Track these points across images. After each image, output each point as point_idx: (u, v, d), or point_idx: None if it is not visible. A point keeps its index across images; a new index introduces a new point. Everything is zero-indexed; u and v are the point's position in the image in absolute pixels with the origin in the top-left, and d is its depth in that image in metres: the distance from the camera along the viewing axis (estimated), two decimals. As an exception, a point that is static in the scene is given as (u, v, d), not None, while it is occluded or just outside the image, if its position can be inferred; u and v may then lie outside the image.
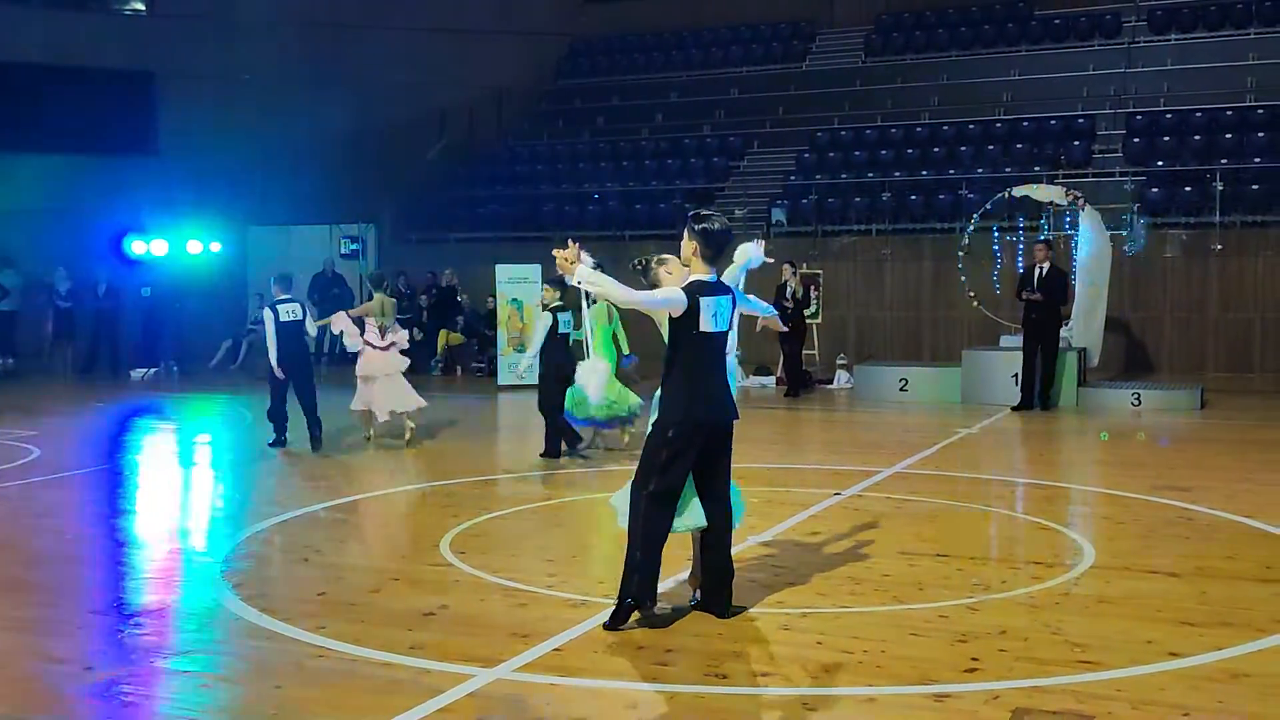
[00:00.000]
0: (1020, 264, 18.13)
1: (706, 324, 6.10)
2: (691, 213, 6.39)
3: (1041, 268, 15.92)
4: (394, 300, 13.49)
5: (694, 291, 6.11)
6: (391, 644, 5.79)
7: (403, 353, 12.71)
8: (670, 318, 6.12)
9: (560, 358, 11.38)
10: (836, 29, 28.92)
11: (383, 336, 12.71)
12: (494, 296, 19.84)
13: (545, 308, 11.53)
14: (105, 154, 24.97)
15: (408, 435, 12.61)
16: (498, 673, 5.39)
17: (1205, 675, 5.35)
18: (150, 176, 24.81)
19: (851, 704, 5.06)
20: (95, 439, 14.00)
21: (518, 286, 19.19)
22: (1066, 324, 17.43)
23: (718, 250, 6.23)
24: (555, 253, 6.11)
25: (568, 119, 28.86)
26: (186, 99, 25.48)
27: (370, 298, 13.16)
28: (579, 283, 6.06)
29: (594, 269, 6.12)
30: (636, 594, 6.04)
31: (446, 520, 8.68)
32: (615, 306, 9.87)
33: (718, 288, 6.20)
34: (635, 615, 6.06)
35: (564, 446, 11.62)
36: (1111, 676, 5.32)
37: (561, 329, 11.35)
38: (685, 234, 6.29)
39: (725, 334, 6.26)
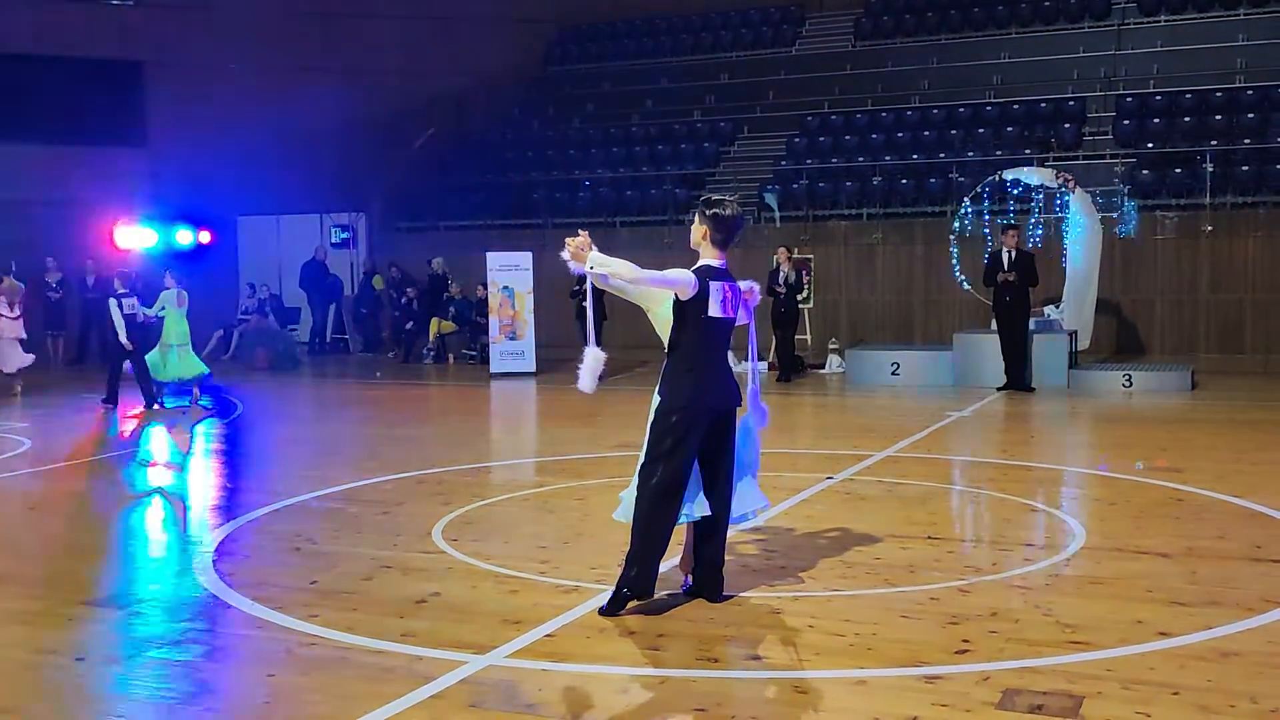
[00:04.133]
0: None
1: (715, 309, 6.09)
2: (703, 198, 6.37)
3: (1011, 251, 15.97)
4: (20, 284, 17.32)
5: (704, 275, 6.10)
6: (383, 631, 5.79)
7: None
8: (677, 301, 6.10)
9: (135, 335, 15.05)
10: (826, 13, 28.88)
11: (12, 309, 16.93)
12: (483, 285, 19.80)
13: (112, 296, 15.07)
14: (94, 144, 24.87)
15: (19, 388, 16.48)
16: (490, 659, 5.40)
17: (1195, 655, 5.37)
18: (139, 167, 24.75)
19: (843, 686, 5.07)
20: (86, 430, 13.98)
21: (509, 274, 19.15)
22: (1057, 306, 17.49)
23: (728, 235, 6.23)
24: (567, 241, 6.11)
25: (557, 106, 28.80)
26: (175, 89, 25.39)
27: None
28: (592, 268, 6.04)
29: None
30: (633, 585, 6.05)
31: (438, 508, 8.69)
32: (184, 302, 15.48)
33: (726, 274, 6.19)
34: (632, 604, 6.08)
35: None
36: (1102, 657, 5.34)
37: (127, 311, 14.92)
38: (696, 218, 6.27)
39: (731, 320, 6.25)
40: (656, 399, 6.18)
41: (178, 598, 6.63)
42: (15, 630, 6.03)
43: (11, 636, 5.93)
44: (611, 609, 6.02)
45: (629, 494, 6.32)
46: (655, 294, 6.25)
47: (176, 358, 15.43)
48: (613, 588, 6.13)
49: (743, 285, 6.39)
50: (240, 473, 11.08)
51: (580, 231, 6.21)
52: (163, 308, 15.51)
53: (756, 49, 28.19)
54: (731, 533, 6.77)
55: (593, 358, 6.21)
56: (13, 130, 24.14)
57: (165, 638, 5.91)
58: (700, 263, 6.21)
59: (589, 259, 6.03)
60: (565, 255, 6.17)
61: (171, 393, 15.58)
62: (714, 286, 6.10)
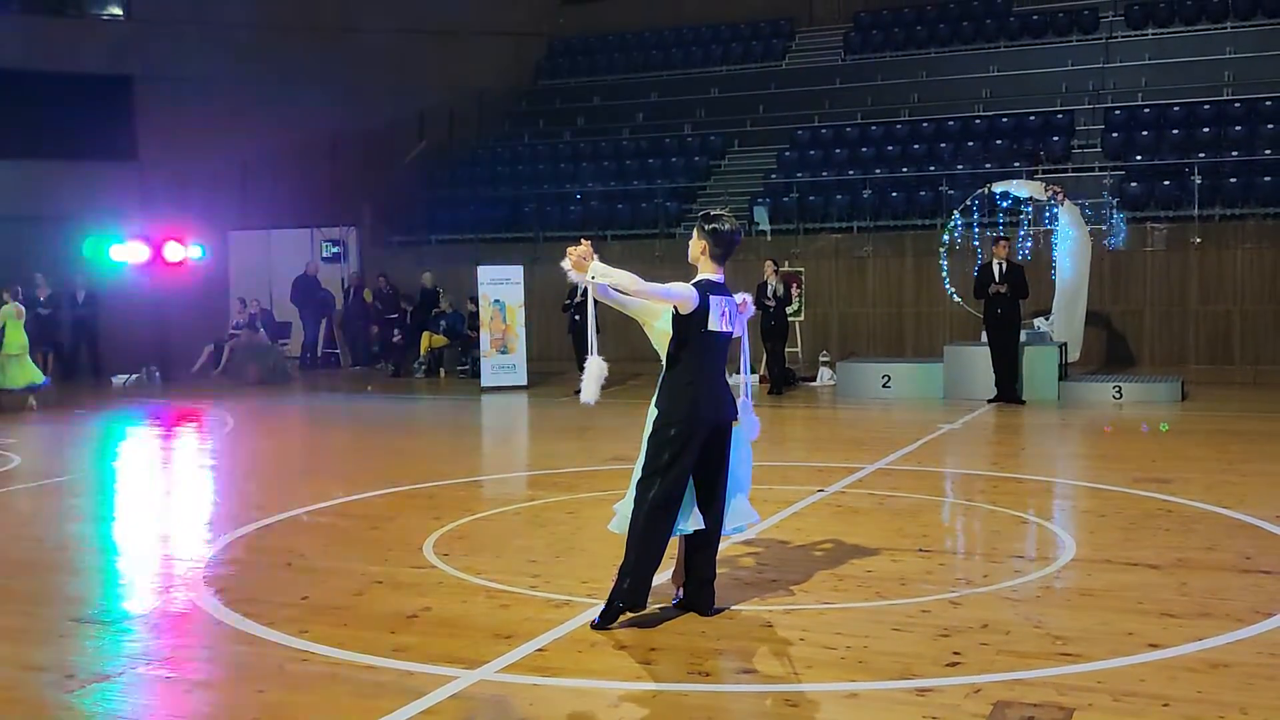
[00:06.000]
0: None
1: (715, 323, 6.12)
2: (702, 213, 6.40)
3: (1001, 263, 16.02)
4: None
5: (704, 289, 6.12)
6: (374, 647, 5.78)
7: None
8: (676, 315, 6.12)
9: None
10: (816, 27, 29.01)
11: None
12: (474, 299, 19.79)
13: None
14: (84, 159, 24.86)
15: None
16: (481, 674, 5.39)
17: (1185, 666, 5.38)
18: (129, 181, 24.72)
19: (834, 700, 5.07)
20: (76, 446, 13.94)
21: (500, 288, 19.16)
22: (1047, 318, 17.53)
23: (727, 250, 6.26)
24: (569, 250, 6.12)
25: (548, 119, 28.86)
26: (165, 103, 25.38)
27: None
28: (593, 278, 6.05)
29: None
30: (626, 598, 6.05)
31: (429, 522, 8.67)
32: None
33: (724, 289, 6.22)
34: (625, 616, 6.07)
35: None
36: (1092, 668, 5.34)
37: None
38: (695, 233, 6.31)
39: (729, 335, 6.26)
40: (654, 412, 6.19)
41: (168, 614, 6.61)
42: (4, 648, 6.00)
43: (1, 654, 5.90)
44: (604, 622, 6.02)
45: (624, 506, 6.31)
46: (653, 307, 6.26)
47: (16, 366, 16.76)
48: (605, 601, 6.12)
49: (737, 298, 6.41)
50: (230, 488, 11.05)
51: (582, 241, 6.22)
52: (3, 323, 16.81)
53: (747, 63, 28.28)
54: (722, 545, 6.77)
55: (596, 367, 6.22)
56: (2, 145, 24.11)
57: (155, 654, 5.89)
58: (699, 277, 6.24)
59: (590, 269, 6.04)
60: (566, 265, 6.17)
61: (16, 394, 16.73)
62: (714, 301, 6.12)
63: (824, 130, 25.14)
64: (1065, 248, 17.55)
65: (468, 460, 12.55)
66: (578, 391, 6.51)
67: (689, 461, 6.08)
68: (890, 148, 23.82)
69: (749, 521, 6.66)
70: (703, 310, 6.08)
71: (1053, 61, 25.24)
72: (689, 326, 6.11)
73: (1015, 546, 7.93)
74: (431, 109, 27.89)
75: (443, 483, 10.51)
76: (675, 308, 6.11)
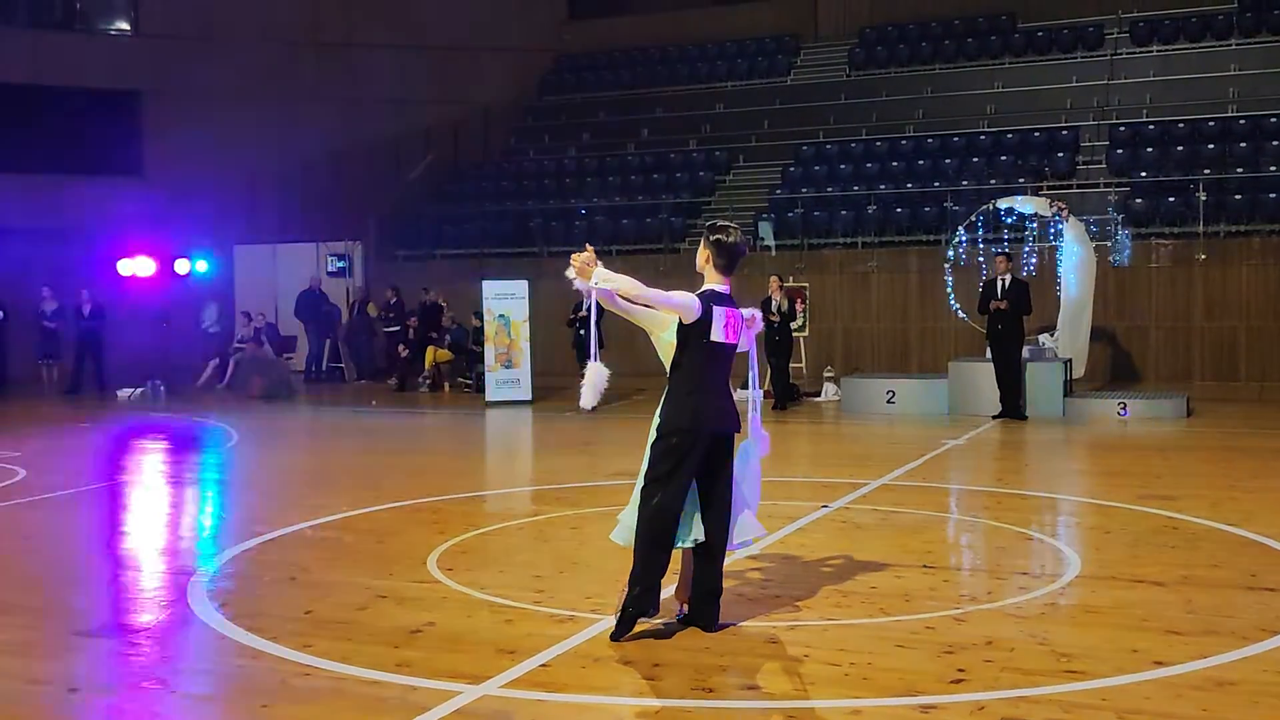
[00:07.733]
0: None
1: (718, 334, 6.12)
2: (709, 224, 6.42)
3: (1004, 279, 16.01)
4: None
5: (708, 299, 6.13)
6: (378, 661, 5.77)
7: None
8: (681, 324, 6.13)
9: None
10: (821, 43, 29.08)
11: None
12: (479, 313, 19.80)
13: None
14: (91, 174, 24.97)
15: None
16: (485, 689, 5.38)
17: (1191, 684, 5.36)
18: (136, 196, 24.80)
19: (838, 716, 5.06)
20: (81, 459, 13.95)
21: (505, 302, 19.16)
22: (1052, 334, 17.53)
23: (731, 261, 6.27)
24: (573, 258, 6.12)
25: (554, 134, 28.93)
26: (172, 118, 25.50)
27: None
28: (596, 283, 6.05)
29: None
30: (638, 603, 6.04)
31: (434, 537, 8.67)
32: None
33: (729, 300, 6.23)
34: (640, 625, 6.05)
35: None
36: (1097, 686, 5.33)
37: None
38: (700, 243, 6.33)
39: (733, 346, 6.27)
40: (657, 420, 6.20)
41: (171, 628, 6.61)
42: (8, 661, 6.00)
43: (4, 667, 5.90)
44: (620, 632, 6.01)
45: (627, 515, 6.31)
46: (660, 317, 6.26)
47: None
48: (618, 613, 6.10)
49: (745, 312, 6.41)
50: (235, 502, 11.06)
51: (586, 246, 6.23)
52: None
53: (752, 78, 28.36)
54: (726, 561, 6.76)
55: (596, 373, 6.22)
56: (10, 160, 24.22)
57: (158, 668, 5.89)
58: (705, 287, 6.25)
59: (594, 275, 6.05)
60: (570, 273, 6.18)
61: None
62: (717, 311, 6.13)
63: (829, 146, 25.19)
64: (1070, 264, 17.55)
65: (472, 475, 12.55)
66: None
67: (690, 471, 6.09)
68: (895, 163, 23.86)
69: (755, 535, 6.66)
70: (705, 320, 6.09)
71: (1058, 78, 25.28)
72: (691, 336, 6.12)
73: (1020, 563, 7.91)
74: (437, 124, 27.98)
75: (447, 497, 10.51)
76: (679, 316, 6.12)
